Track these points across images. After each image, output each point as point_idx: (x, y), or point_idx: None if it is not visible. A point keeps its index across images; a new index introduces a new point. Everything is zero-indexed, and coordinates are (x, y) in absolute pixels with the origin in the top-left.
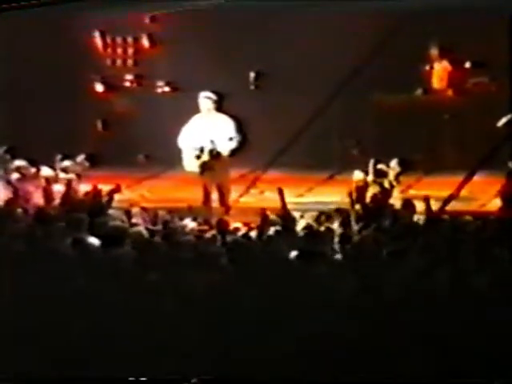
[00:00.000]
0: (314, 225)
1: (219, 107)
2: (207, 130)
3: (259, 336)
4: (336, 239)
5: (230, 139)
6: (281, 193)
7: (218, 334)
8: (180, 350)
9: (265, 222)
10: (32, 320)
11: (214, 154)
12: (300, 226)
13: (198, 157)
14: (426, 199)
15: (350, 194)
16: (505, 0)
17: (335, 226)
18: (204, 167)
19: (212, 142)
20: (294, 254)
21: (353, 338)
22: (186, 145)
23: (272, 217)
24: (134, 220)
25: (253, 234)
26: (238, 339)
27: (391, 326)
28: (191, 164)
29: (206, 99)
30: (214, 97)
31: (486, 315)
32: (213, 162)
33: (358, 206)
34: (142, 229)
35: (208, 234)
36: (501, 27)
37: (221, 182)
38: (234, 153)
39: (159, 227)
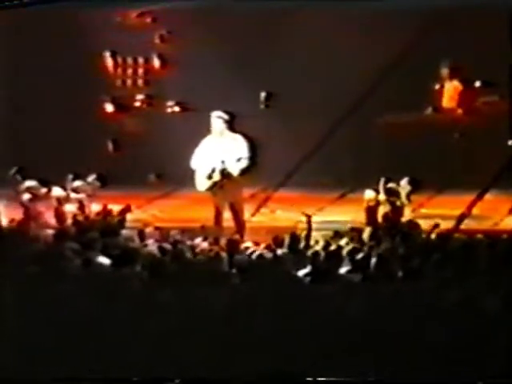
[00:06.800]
0: (326, 243)
1: (231, 127)
2: (218, 151)
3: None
4: (347, 258)
5: (239, 160)
6: (308, 219)
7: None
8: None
9: (275, 242)
10: (43, 340)
11: (225, 174)
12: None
13: (210, 177)
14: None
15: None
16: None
17: (347, 244)
18: (215, 187)
19: (223, 162)
20: (303, 272)
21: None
22: (199, 165)
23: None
24: (146, 240)
25: (264, 253)
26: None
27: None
28: (203, 184)
29: (217, 119)
30: (225, 116)
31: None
32: (224, 182)
33: (369, 226)
34: (153, 248)
35: (218, 254)
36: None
37: (233, 201)
38: (244, 172)
39: (170, 246)
